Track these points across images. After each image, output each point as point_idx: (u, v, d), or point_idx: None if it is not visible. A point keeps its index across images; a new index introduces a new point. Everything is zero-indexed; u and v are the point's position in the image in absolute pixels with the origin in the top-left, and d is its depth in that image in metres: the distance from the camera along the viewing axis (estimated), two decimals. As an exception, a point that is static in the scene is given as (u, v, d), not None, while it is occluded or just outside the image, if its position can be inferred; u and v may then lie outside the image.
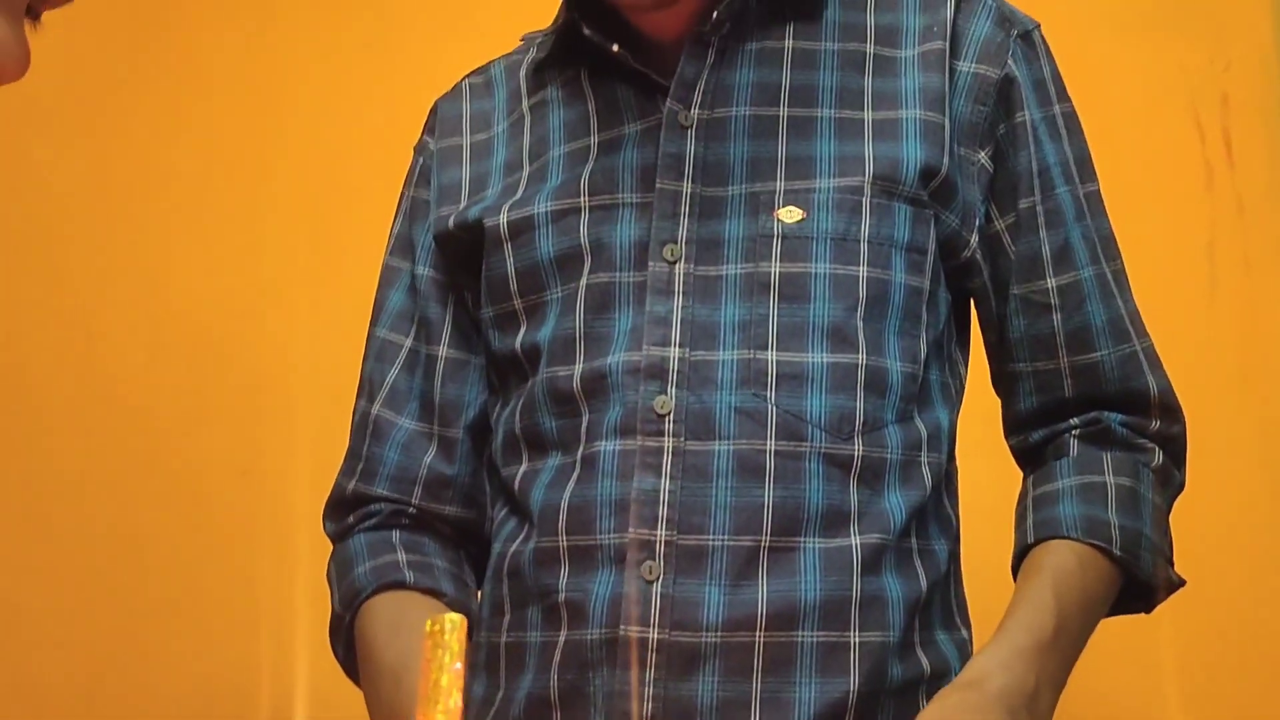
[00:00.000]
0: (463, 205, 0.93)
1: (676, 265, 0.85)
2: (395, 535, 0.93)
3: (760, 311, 0.83)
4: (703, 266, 0.85)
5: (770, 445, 0.81)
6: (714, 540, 0.81)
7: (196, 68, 1.78)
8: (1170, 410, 0.91)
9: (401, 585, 0.90)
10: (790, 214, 0.84)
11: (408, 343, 0.96)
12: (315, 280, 1.69)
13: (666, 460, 0.82)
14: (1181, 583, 0.90)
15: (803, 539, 0.81)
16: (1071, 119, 0.92)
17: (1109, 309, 0.90)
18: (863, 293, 0.84)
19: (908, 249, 0.85)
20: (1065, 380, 0.89)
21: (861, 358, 0.83)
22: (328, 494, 0.99)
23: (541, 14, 1.01)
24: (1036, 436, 0.91)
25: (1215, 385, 1.54)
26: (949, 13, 0.90)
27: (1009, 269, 0.90)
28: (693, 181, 0.86)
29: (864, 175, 0.84)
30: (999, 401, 0.96)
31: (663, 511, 0.81)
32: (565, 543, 0.83)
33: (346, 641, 0.92)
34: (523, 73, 0.96)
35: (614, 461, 0.82)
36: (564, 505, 0.83)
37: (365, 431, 0.96)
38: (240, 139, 1.77)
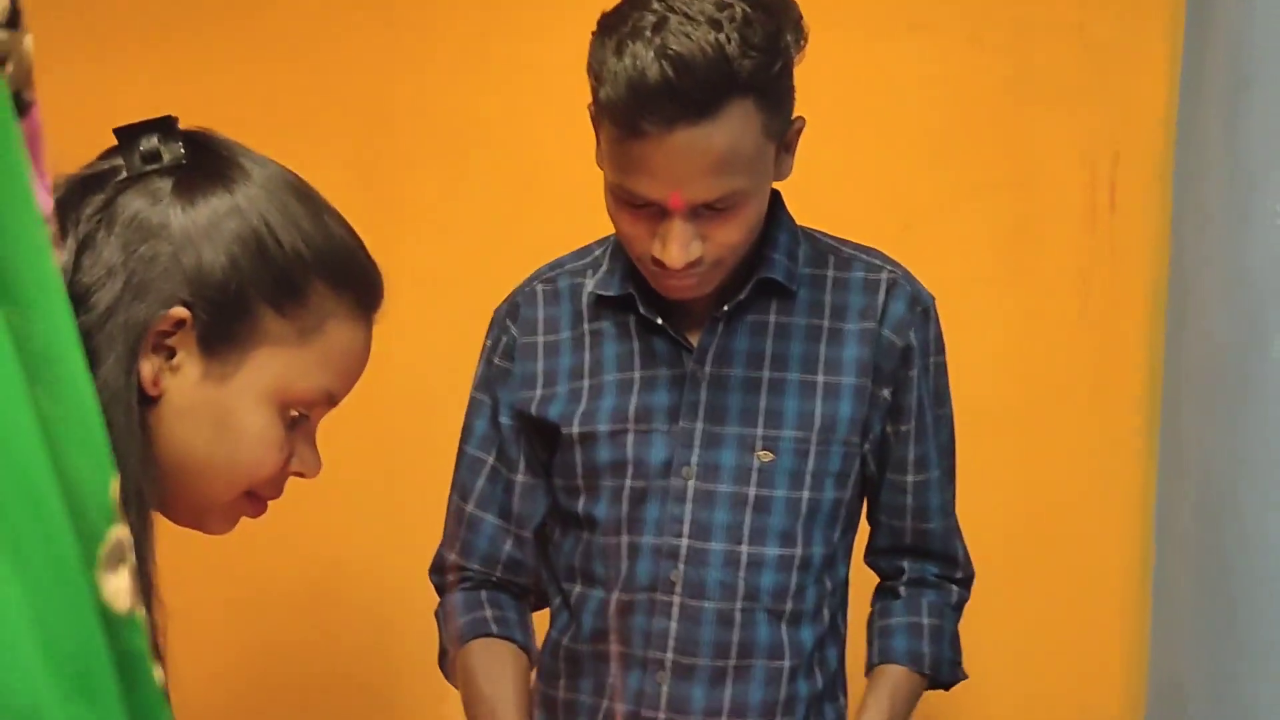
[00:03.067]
0: (538, 395, 1.33)
1: (689, 481, 1.28)
2: (483, 595, 1.38)
3: (739, 519, 1.27)
4: (706, 484, 1.27)
5: (738, 605, 1.28)
6: (700, 661, 1.27)
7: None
8: (964, 563, 1.39)
9: (489, 635, 1.35)
10: (765, 456, 1.27)
11: (491, 460, 1.37)
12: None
13: (674, 610, 1.27)
14: (965, 677, 1.39)
15: (754, 661, 1.28)
16: (940, 367, 1.35)
17: (942, 498, 1.36)
18: (804, 509, 1.28)
19: (837, 474, 1.29)
20: (908, 534, 1.36)
21: (799, 550, 1.29)
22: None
23: None
24: (882, 564, 1.40)
25: (1074, 394, 1.90)
26: (880, 297, 1.31)
27: (887, 461, 1.34)
28: (702, 421, 1.28)
29: (813, 428, 1.28)
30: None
31: (670, 643, 1.27)
32: (614, 649, 1.29)
33: (452, 670, 1.38)
34: (585, 299, 1.33)
35: (643, 607, 1.28)
36: (611, 628, 1.30)
37: (460, 523, 1.38)
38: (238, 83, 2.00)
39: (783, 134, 1.19)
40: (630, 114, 1.10)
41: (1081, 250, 1.90)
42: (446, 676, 1.39)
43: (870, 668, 1.36)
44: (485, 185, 2.02)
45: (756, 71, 1.11)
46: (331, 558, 2.06)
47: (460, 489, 1.38)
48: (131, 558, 0.41)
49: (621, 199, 1.17)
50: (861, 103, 1.93)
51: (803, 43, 1.17)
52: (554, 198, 1.96)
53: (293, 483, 0.95)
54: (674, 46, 1.08)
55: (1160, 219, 1.88)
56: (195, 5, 2.04)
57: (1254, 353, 1.37)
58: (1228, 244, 1.51)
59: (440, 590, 1.41)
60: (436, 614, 1.40)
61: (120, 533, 0.41)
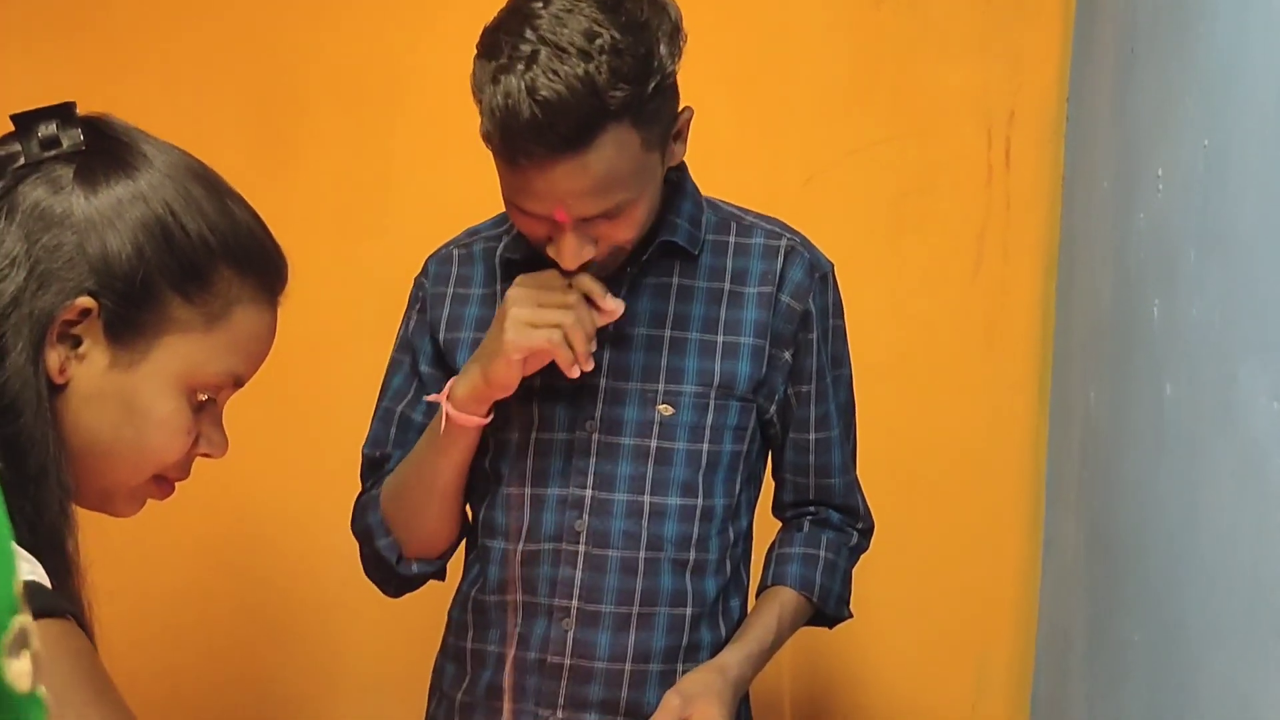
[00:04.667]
0: (443, 338, 1.36)
1: (593, 435, 1.32)
2: None
3: (642, 470, 1.32)
4: (609, 437, 1.31)
5: (641, 554, 1.32)
6: (605, 609, 1.32)
7: None
8: (864, 516, 1.46)
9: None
10: (665, 409, 1.32)
11: (400, 409, 1.39)
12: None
13: (580, 558, 1.31)
14: (850, 616, 1.45)
15: (657, 609, 1.33)
16: (838, 329, 1.40)
17: (842, 454, 1.42)
18: (704, 461, 1.33)
19: (735, 428, 1.34)
20: (811, 490, 1.42)
21: (700, 501, 1.33)
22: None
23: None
24: (788, 515, 1.45)
25: (968, 346, 1.95)
26: (779, 263, 1.35)
27: (790, 421, 1.39)
28: (605, 377, 1.32)
29: (712, 384, 1.32)
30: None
31: (575, 590, 1.32)
32: (520, 599, 1.33)
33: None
34: (496, 260, 1.37)
35: (549, 556, 1.32)
36: (516, 577, 1.33)
37: (369, 467, 1.42)
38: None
39: (665, 136, 1.22)
40: (506, 148, 1.14)
41: (977, 206, 1.94)
42: (371, 572, 1.41)
43: (761, 589, 1.41)
44: (384, 132, 2.00)
45: (628, 100, 1.14)
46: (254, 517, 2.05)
47: (372, 439, 1.42)
48: (34, 643, 0.45)
49: (513, 208, 1.22)
50: (762, 57, 1.94)
51: (679, 49, 1.19)
52: (454, 144, 1.94)
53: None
54: (543, 91, 1.10)
55: (1053, 177, 1.92)
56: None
57: (1136, 314, 1.42)
58: (1113, 206, 1.56)
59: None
60: (360, 503, 1.42)
61: (23, 620, 0.44)
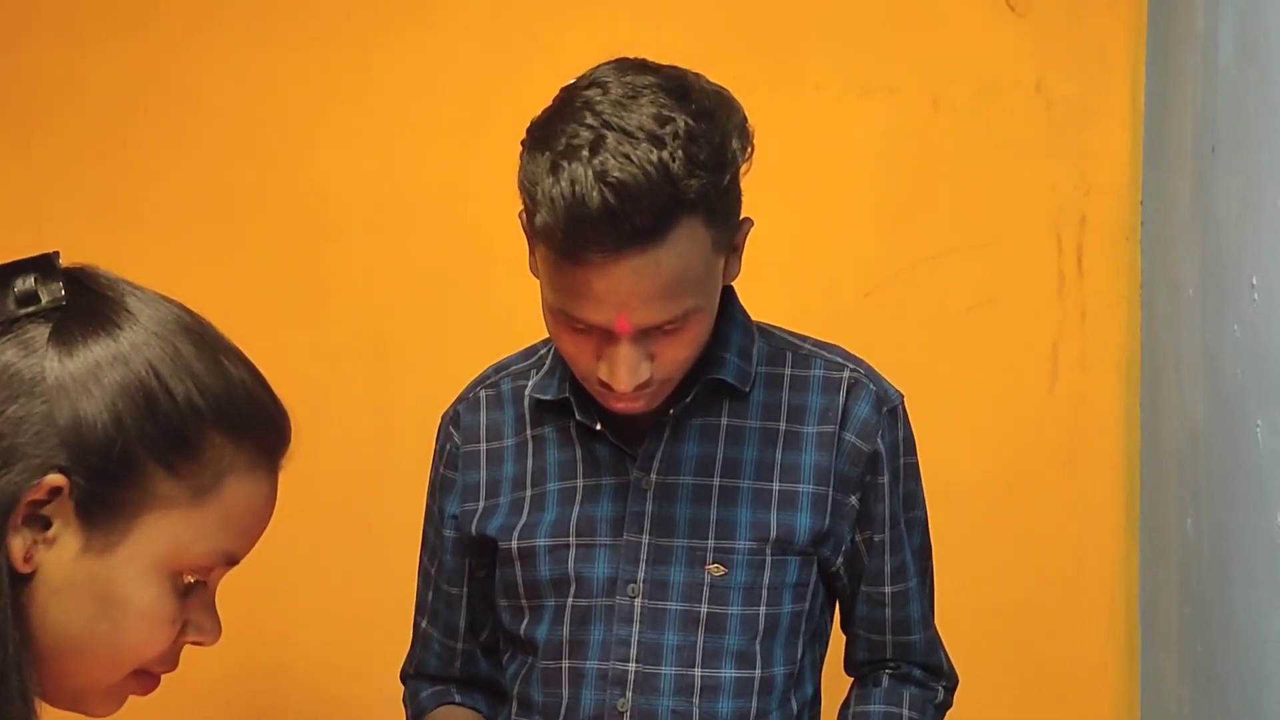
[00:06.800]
0: (480, 508, 1.24)
1: (635, 600, 1.18)
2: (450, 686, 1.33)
3: (691, 639, 1.18)
4: (653, 601, 1.18)
5: None
6: None
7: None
8: (949, 673, 1.31)
9: (452, 703, 1.31)
10: (716, 569, 1.18)
11: (433, 572, 1.31)
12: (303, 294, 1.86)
13: None
14: None
15: None
16: (911, 467, 1.26)
17: (921, 606, 1.27)
18: (761, 626, 1.19)
19: (795, 585, 1.20)
20: (888, 649, 1.27)
21: (758, 672, 1.19)
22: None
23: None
24: (864, 672, 1.30)
25: (1046, 465, 1.81)
26: (842, 398, 1.21)
27: (860, 572, 1.24)
28: (648, 534, 1.18)
29: (768, 539, 1.18)
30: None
31: None
32: None
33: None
34: (526, 403, 1.25)
35: None
36: None
37: (416, 637, 1.34)
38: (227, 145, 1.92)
39: (730, 243, 1.11)
40: (570, 242, 1.02)
41: (1050, 319, 1.81)
42: None
43: None
44: (418, 256, 1.93)
45: (704, 190, 1.03)
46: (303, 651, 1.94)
47: (418, 600, 1.34)
48: None
49: (562, 321, 1.09)
50: (816, 168, 1.85)
51: (750, 148, 1.08)
52: (491, 268, 1.87)
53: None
54: (615, 173, 0.99)
55: (1130, 284, 1.80)
56: (118, 78, 1.95)
57: (1236, 434, 1.28)
58: (1202, 315, 1.43)
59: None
60: (404, 699, 1.36)
61: None
